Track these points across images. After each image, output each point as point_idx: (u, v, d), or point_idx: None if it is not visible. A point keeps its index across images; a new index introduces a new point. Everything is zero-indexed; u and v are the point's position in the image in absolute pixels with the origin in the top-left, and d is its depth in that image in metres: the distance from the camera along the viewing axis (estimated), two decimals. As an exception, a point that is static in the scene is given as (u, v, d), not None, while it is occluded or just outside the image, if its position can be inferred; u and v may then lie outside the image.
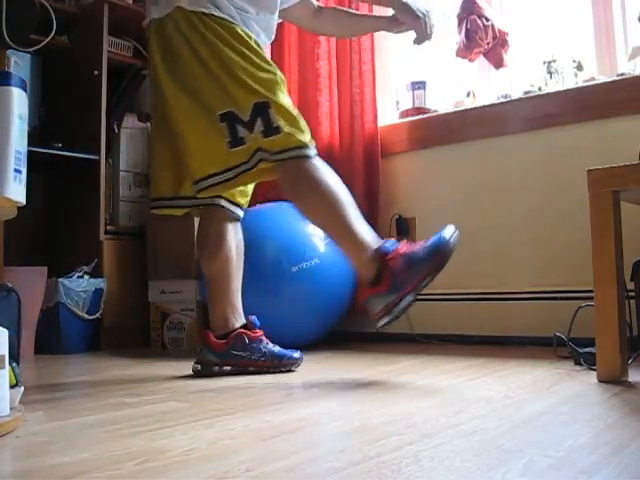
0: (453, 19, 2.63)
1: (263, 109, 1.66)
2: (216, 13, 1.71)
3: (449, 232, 1.60)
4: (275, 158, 1.65)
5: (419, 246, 1.60)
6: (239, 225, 1.94)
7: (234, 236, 1.90)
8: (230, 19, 1.73)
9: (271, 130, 1.65)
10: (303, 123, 1.72)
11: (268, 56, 1.81)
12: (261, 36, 1.82)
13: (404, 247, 1.61)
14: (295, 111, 1.72)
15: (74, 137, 2.67)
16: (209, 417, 1.23)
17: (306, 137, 1.69)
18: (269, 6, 1.82)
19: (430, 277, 1.57)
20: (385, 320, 1.59)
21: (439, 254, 1.56)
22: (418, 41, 1.91)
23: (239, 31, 1.73)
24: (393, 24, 1.97)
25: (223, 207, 1.87)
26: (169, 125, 1.76)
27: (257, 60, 1.72)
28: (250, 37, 1.75)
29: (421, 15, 1.87)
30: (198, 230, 1.93)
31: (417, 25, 1.88)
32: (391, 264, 1.58)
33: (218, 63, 1.69)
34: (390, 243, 1.63)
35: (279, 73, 1.75)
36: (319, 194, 1.65)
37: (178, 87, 1.73)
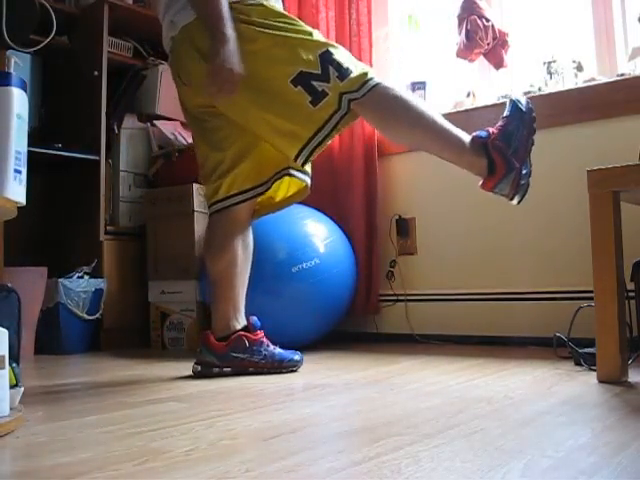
0: (453, 19, 2.63)
1: (328, 57, 1.70)
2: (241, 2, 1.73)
3: (517, 96, 1.67)
4: (361, 93, 1.67)
5: (502, 121, 1.65)
6: (250, 227, 1.92)
7: (242, 238, 1.88)
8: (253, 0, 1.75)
9: (343, 72, 1.69)
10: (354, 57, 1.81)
11: None
12: None
13: (493, 128, 1.66)
14: (344, 49, 1.78)
15: (74, 137, 2.67)
16: (209, 417, 1.23)
17: (367, 66, 1.77)
18: None
19: (531, 140, 1.64)
20: (518, 198, 1.65)
21: (525, 116, 1.64)
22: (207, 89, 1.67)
23: (265, 4, 1.75)
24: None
25: (293, 175, 1.89)
26: (233, 120, 1.77)
27: (295, 21, 1.76)
28: (274, 6, 1.78)
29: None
30: (206, 229, 1.91)
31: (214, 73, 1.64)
32: (495, 146, 1.62)
33: (267, 36, 1.69)
34: (480, 130, 1.67)
35: None
36: (405, 116, 1.67)
37: None
